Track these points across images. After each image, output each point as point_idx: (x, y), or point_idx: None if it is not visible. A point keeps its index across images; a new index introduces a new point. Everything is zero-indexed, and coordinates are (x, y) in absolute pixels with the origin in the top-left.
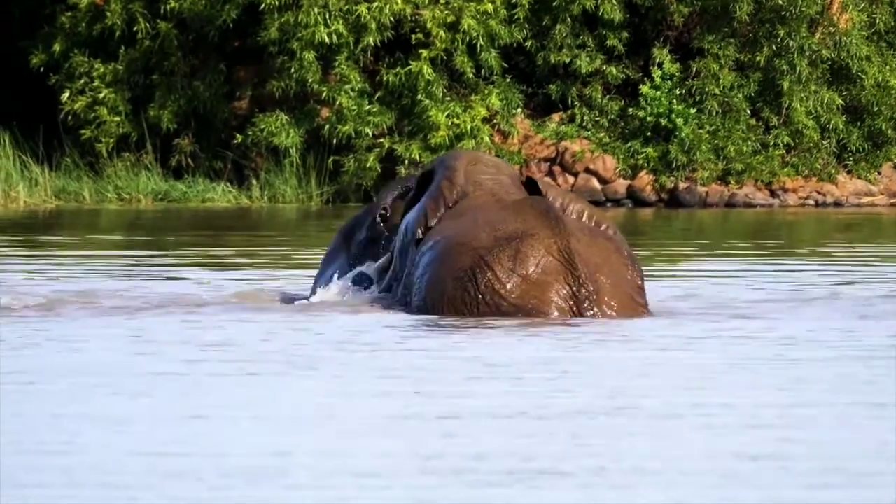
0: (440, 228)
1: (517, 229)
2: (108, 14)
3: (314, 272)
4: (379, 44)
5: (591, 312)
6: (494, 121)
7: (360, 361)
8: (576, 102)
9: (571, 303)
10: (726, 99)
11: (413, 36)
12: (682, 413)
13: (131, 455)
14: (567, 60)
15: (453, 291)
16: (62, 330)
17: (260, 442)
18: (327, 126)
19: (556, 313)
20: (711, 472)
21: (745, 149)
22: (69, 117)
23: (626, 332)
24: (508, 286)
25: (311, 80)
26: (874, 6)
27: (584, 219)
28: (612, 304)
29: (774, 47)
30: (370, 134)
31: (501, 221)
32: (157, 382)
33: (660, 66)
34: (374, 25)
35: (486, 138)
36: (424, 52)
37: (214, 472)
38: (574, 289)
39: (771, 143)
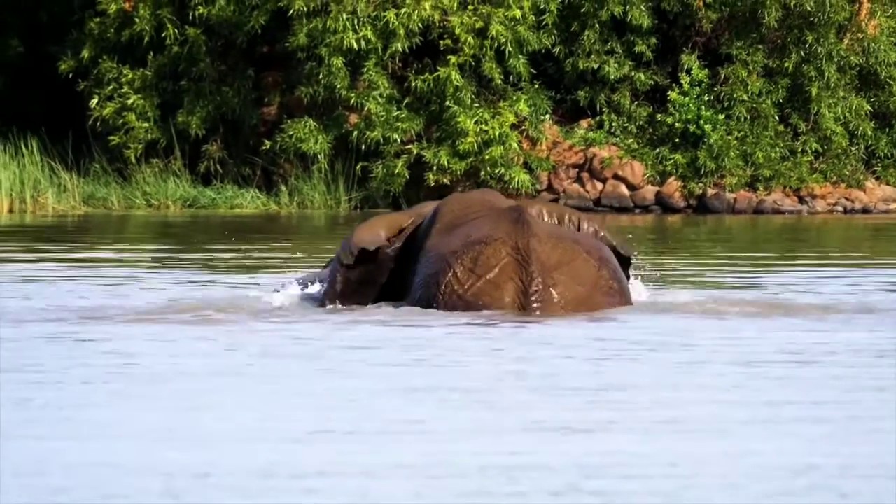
0: (432, 242)
1: (486, 234)
2: (137, 20)
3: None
4: (407, 50)
5: (537, 305)
6: (523, 127)
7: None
8: (604, 108)
9: (521, 298)
10: (755, 105)
11: (441, 42)
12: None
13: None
14: (595, 66)
15: (422, 294)
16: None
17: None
18: (356, 132)
19: (506, 309)
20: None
21: (773, 155)
22: (98, 123)
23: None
24: (466, 285)
25: (339, 86)
26: None
27: (566, 222)
28: (563, 301)
29: (803, 53)
30: (398, 140)
31: (477, 229)
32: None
33: (688, 72)
34: (402, 31)
35: (515, 144)
36: (453, 58)
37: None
38: (525, 284)
39: (799, 150)
